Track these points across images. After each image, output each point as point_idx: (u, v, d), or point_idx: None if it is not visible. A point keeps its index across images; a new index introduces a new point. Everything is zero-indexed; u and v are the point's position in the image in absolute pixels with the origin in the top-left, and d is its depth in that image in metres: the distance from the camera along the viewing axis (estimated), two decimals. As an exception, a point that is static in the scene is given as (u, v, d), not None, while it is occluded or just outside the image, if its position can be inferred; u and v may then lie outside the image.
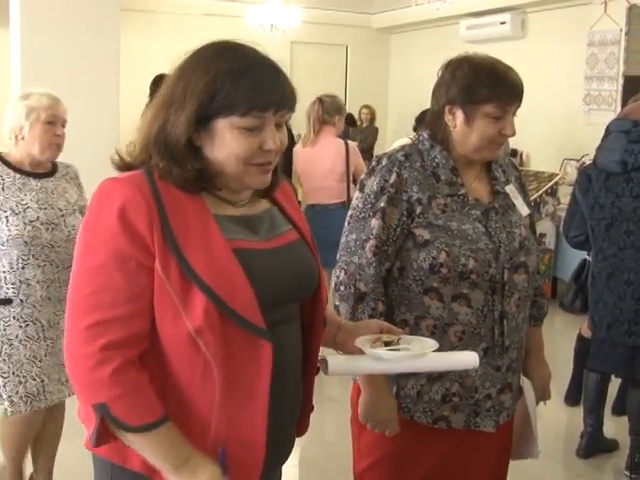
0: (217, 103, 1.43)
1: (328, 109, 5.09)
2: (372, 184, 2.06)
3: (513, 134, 2.03)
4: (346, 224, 2.12)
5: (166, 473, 1.45)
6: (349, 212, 2.13)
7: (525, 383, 2.22)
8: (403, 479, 2.10)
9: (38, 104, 2.76)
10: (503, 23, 8.87)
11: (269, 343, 1.46)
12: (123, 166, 1.55)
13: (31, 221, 2.69)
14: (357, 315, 2.03)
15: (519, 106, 2.04)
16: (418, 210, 2.02)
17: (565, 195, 6.95)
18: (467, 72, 2.03)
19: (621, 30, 7.51)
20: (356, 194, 2.12)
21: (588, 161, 5.01)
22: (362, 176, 2.12)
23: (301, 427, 1.74)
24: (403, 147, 2.13)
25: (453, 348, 2.01)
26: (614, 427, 4.09)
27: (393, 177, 2.03)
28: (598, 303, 3.55)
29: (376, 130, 10.04)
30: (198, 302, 1.41)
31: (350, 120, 8.85)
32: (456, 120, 2.05)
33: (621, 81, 7.51)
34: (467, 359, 1.71)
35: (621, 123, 3.51)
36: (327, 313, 1.76)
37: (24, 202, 2.72)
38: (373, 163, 2.11)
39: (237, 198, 1.57)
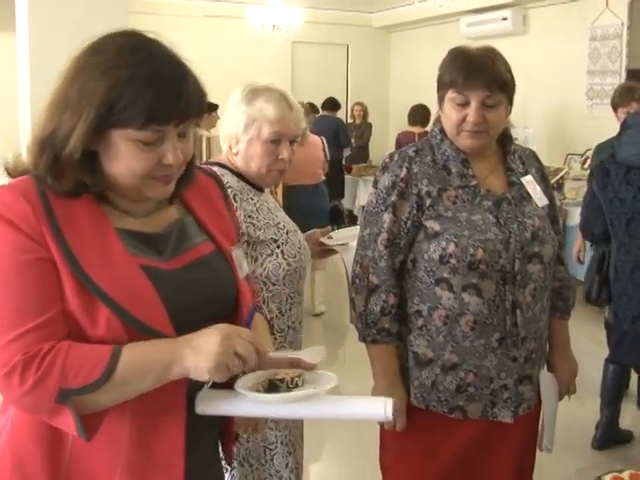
0: (114, 115, 1.30)
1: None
2: (384, 180, 2.10)
3: (474, 122, 2.02)
4: (362, 219, 2.17)
5: (166, 376, 1.32)
6: (365, 208, 2.18)
7: (543, 375, 2.21)
8: (428, 470, 2.12)
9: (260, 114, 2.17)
10: (504, 19, 8.87)
11: None
12: (15, 172, 1.40)
13: None
14: (370, 307, 2.08)
15: (491, 96, 2.01)
16: (428, 203, 2.05)
17: (569, 190, 6.98)
18: (444, 60, 2.10)
19: (623, 24, 7.51)
20: (371, 190, 2.16)
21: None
22: (377, 173, 2.17)
23: (227, 453, 1.63)
24: (415, 143, 2.18)
25: (466, 338, 2.03)
26: (628, 418, 4.12)
27: (403, 172, 2.07)
28: (622, 297, 3.57)
29: (370, 126, 10.13)
30: (100, 314, 1.30)
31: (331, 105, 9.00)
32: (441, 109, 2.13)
33: (624, 75, 7.51)
34: (374, 407, 1.38)
35: None
36: (257, 328, 1.59)
37: None
38: (386, 160, 2.15)
39: (138, 209, 1.43)
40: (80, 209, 1.35)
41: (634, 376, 4.21)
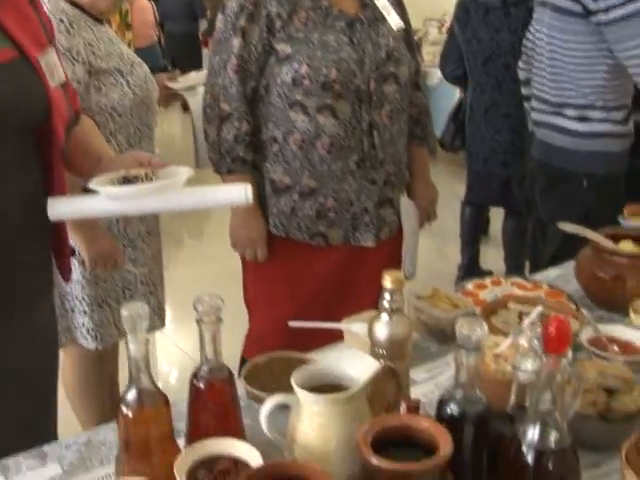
0: None
1: None
2: (232, 4, 1.99)
3: None
4: (210, 47, 2.07)
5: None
6: (213, 35, 2.07)
7: (403, 201, 2.21)
8: (292, 298, 2.10)
9: None
10: None
11: None
12: None
13: None
14: (222, 136, 2.01)
15: None
16: (278, 25, 1.96)
17: (427, 54, 7.01)
18: None
19: None
20: (218, 16, 2.04)
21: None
22: None
23: (63, 269, 1.58)
24: None
25: (323, 162, 1.99)
26: (489, 261, 4.28)
27: None
28: (475, 136, 3.66)
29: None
30: None
31: None
32: None
33: None
34: (233, 194, 1.38)
35: None
36: (87, 145, 1.55)
37: None
38: None
39: None
40: None
41: (494, 221, 4.38)
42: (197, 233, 5.30)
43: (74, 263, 2.04)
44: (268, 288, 2.14)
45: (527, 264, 3.26)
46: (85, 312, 2.18)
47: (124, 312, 1.04)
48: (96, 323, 2.20)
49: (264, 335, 2.13)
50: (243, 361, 2.12)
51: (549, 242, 2.58)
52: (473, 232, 4.02)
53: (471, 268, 4.00)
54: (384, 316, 1.19)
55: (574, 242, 1.91)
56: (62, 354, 2.31)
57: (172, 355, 3.57)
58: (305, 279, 2.09)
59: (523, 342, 1.14)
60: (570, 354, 1.02)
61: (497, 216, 4.22)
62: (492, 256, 4.27)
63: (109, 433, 1.31)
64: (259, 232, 2.05)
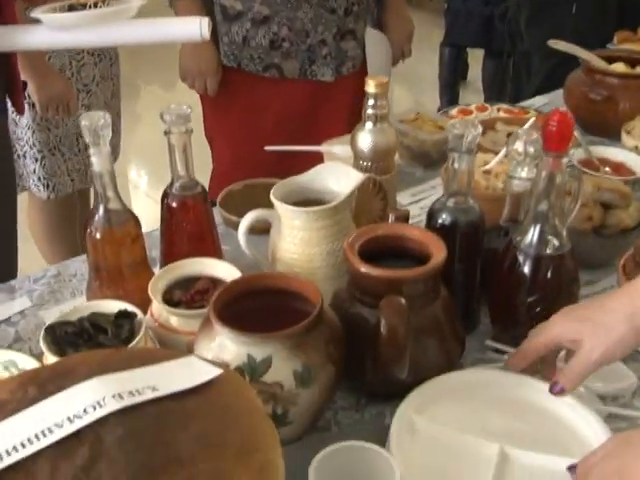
0: None
1: None
2: None
3: None
4: None
5: None
6: None
7: (370, 34, 2.03)
8: (252, 133, 1.98)
9: None
10: None
11: None
12: None
13: None
14: None
15: None
16: None
17: None
18: None
19: None
20: None
21: None
22: None
23: (17, 103, 1.52)
24: None
25: None
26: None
27: None
28: None
29: None
30: None
31: None
32: None
33: None
34: (187, 27, 1.21)
35: None
36: None
37: None
38: None
39: None
40: None
41: (473, 67, 4.24)
42: (154, 80, 5.03)
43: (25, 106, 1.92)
44: (224, 121, 2.01)
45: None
46: (36, 159, 2.08)
47: (84, 122, 0.95)
48: (47, 171, 2.10)
49: (226, 172, 2.01)
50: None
51: (533, 76, 2.48)
52: (452, 74, 3.90)
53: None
54: (368, 124, 1.10)
55: (559, 74, 1.82)
56: (27, 201, 2.23)
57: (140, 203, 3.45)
58: (262, 113, 1.97)
59: (518, 148, 1.06)
60: (571, 153, 0.95)
61: (475, 61, 4.08)
62: (471, 101, 4.15)
63: (80, 265, 1.23)
64: (209, 63, 1.91)
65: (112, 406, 0.61)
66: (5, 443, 0.60)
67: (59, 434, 0.60)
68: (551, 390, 0.85)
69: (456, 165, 0.98)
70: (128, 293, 1.02)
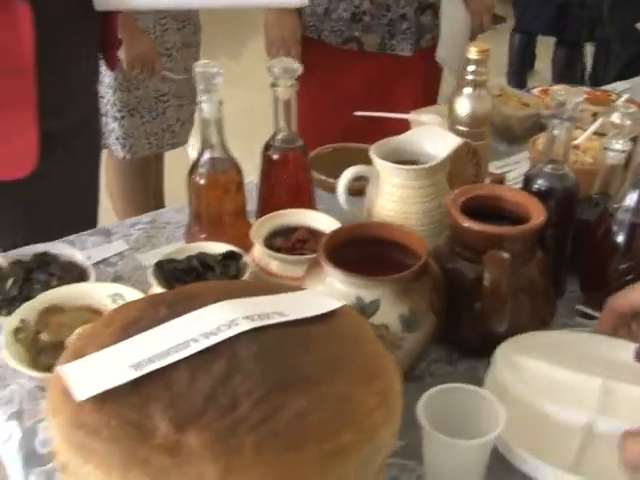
0: None
1: None
2: None
3: None
4: None
5: None
6: None
7: (450, 5, 2.01)
8: (329, 104, 2.01)
9: None
10: None
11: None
12: None
13: None
14: None
15: None
16: None
17: None
18: None
19: None
20: None
21: None
22: None
23: (110, 59, 1.56)
24: None
25: None
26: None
27: None
28: None
29: None
30: None
31: None
32: None
33: None
34: None
35: None
36: None
37: None
38: None
39: None
40: None
41: (541, 57, 4.21)
42: (220, 52, 5.05)
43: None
44: (304, 92, 2.04)
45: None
46: (116, 118, 2.14)
47: (198, 69, 0.98)
48: (125, 131, 2.17)
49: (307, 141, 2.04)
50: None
51: (612, 63, 2.45)
52: (522, 62, 3.87)
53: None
54: (467, 90, 1.12)
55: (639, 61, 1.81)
56: (106, 159, 2.29)
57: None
58: (340, 85, 2.00)
59: (615, 120, 1.07)
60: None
61: (545, 52, 4.04)
62: (538, 90, 4.14)
63: (173, 215, 1.27)
64: (293, 32, 1.94)
65: (245, 325, 0.65)
66: (143, 354, 0.63)
67: (196, 348, 0.63)
68: (636, 356, 0.86)
69: (556, 132, 0.99)
70: (227, 240, 1.05)
